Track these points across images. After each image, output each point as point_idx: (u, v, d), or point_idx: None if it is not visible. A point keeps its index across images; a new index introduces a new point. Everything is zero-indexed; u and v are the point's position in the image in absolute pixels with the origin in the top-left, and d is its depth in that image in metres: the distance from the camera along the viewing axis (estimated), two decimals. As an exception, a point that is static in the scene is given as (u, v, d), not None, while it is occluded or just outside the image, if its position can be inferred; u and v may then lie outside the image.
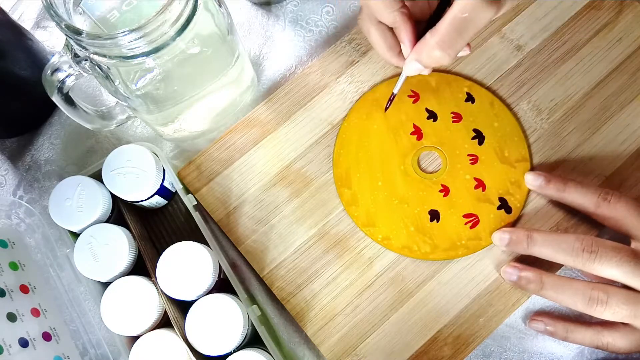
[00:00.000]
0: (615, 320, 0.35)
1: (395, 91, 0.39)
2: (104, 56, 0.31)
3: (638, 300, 0.34)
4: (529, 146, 0.42)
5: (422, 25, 0.34)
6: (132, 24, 0.29)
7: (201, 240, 0.37)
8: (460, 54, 0.35)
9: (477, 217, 0.40)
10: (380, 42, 0.37)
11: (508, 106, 0.42)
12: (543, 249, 0.36)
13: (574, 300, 0.35)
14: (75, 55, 0.34)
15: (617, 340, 0.35)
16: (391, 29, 0.36)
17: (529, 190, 0.40)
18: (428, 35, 0.32)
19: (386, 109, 0.42)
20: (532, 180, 0.39)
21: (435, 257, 0.40)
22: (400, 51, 0.36)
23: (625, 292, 0.34)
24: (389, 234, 0.40)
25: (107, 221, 0.39)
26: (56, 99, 0.36)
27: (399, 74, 0.44)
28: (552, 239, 0.36)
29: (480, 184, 0.41)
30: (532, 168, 0.41)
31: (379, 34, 0.36)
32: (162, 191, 0.40)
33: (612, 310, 0.34)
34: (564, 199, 0.38)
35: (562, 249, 0.35)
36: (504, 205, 0.40)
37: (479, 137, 0.42)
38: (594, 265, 0.34)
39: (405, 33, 0.34)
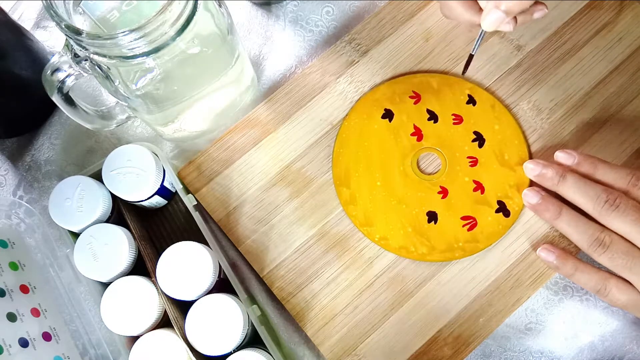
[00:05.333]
0: (609, 267, 0.35)
1: (472, 52, 0.39)
2: (104, 56, 0.31)
3: (637, 256, 0.34)
4: (529, 149, 0.41)
5: None
6: (132, 24, 0.29)
7: (201, 240, 0.37)
8: (536, 16, 0.37)
9: (475, 219, 0.40)
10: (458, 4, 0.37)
11: (508, 108, 0.42)
12: (570, 190, 0.36)
13: (581, 237, 0.36)
14: (75, 55, 0.34)
15: (619, 293, 0.35)
16: None
17: None
18: None
19: (463, 72, 0.42)
20: (564, 159, 0.38)
21: (432, 259, 0.40)
22: (480, 8, 0.37)
23: (629, 245, 0.35)
24: (387, 234, 0.40)
25: (107, 221, 0.39)
26: (56, 99, 0.36)
27: (399, 75, 0.44)
28: (583, 183, 0.36)
29: (479, 187, 0.41)
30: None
31: None
32: (162, 191, 0.40)
33: (610, 255, 0.34)
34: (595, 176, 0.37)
35: (588, 194, 0.36)
36: (502, 208, 0.40)
37: (479, 139, 0.42)
38: (610, 217, 0.35)
39: None
